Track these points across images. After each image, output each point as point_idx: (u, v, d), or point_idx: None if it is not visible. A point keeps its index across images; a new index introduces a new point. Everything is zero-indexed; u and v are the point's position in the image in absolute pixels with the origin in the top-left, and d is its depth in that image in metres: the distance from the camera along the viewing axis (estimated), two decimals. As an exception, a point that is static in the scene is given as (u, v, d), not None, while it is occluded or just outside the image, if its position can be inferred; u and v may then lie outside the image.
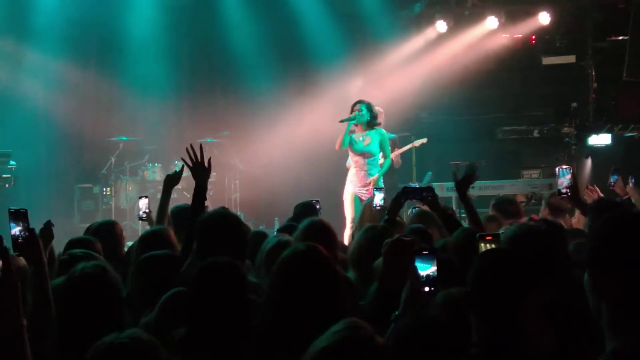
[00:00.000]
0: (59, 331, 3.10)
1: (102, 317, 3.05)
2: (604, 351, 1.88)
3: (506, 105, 13.21)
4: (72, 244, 4.61)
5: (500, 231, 4.10)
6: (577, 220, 6.29)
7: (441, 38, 12.77)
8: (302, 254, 3.10)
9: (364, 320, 2.37)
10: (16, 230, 3.37)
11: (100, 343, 2.37)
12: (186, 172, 4.87)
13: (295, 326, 2.87)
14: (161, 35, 12.61)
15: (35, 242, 3.26)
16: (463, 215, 6.75)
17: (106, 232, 5.11)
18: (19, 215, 3.39)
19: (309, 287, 2.98)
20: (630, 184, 6.53)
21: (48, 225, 4.42)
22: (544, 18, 12.40)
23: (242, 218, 8.52)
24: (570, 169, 5.03)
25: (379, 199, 6.44)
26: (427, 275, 3.19)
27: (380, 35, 12.81)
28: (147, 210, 5.94)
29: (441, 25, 12.68)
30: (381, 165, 9.25)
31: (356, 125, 9.09)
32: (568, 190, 5.02)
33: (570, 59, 12.76)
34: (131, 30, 12.51)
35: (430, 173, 11.56)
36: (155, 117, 12.79)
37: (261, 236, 4.85)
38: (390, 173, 10.67)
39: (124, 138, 11.86)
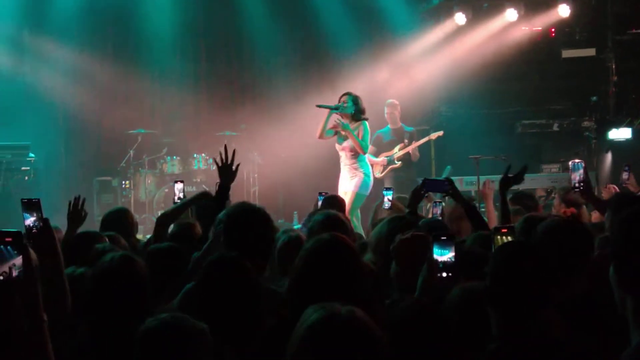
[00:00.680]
0: (88, 321, 3.11)
1: (130, 307, 3.06)
2: (630, 344, 1.86)
3: (525, 99, 13.13)
4: (81, 237, 4.62)
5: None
6: (598, 215, 6.24)
7: (460, 31, 12.70)
8: (327, 244, 3.09)
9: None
10: (30, 220, 3.36)
11: (150, 322, 2.45)
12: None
13: None
14: (180, 28, 12.63)
15: (50, 232, 3.22)
16: (482, 209, 6.70)
17: (117, 220, 5.14)
18: (32, 206, 3.38)
19: (334, 276, 2.98)
20: None
21: (75, 207, 4.49)
22: (563, 10, 12.30)
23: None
24: (583, 163, 4.99)
25: (387, 199, 6.41)
26: (445, 261, 3.20)
27: (398, 29, 12.76)
28: (181, 196, 5.93)
29: (460, 18, 12.62)
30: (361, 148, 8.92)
31: (342, 117, 8.93)
32: (581, 185, 4.98)
33: (591, 52, 12.67)
34: (150, 23, 12.53)
35: (449, 167, 11.51)
36: (173, 110, 12.82)
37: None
38: (408, 167, 10.65)
39: (142, 131, 11.89)
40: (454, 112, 13.00)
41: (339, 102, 9.01)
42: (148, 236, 6.46)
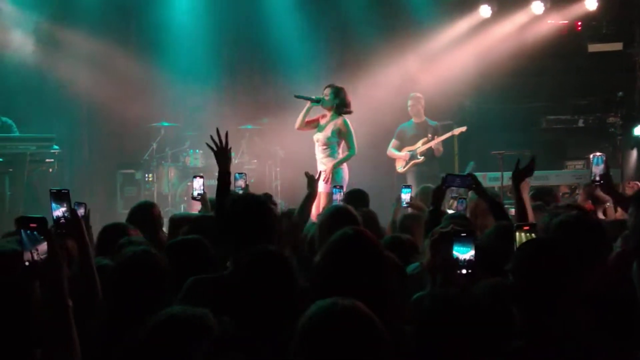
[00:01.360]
0: (108, 311, 3.14)
1: (149, 300, 3.07)
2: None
3: (550, 94, 13.02)
4: (106, 230, 4.65)
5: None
6: (622, 212, 6.18)
7: (485, 23, 12.63)
8: (350, 238, 3.08)
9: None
10: (58, 211, 3.38)
11: (160, 314, 2.46)
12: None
13: None
14: (202, 20, 12.63)
15: (78, 222, 3.28)
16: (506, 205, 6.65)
17: (144, 214, 5.14)
18: (61, 196, 3.40)
19: (358, 270, 2.97)
20: None
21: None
22: (590, 3, 12.19)
23: (282, 206, 8.54)
24: (604, 157, 4.93)
25: (407, 197, 6.38)
26: (465, 259, 3.20)
27: (423, 21, 12.68)
28: (201, 192, 5.91)
29: (485, 10, 12.54)
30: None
31: (324, 110, 8.82)
32: (601, 179, 4.92)
33: (617, 46, 12.53)
34: (174, 16, 12.55)
35: (472, 163, 11.43)
36: (196, 103, 12.84)
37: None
38: (431, 161, 10.59)
39: (165, 124, 11.92)
40: (477, 107, 12.92)
41: (322, 94, 8.84)
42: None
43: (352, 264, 3.00)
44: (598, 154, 4.97)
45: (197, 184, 5.96)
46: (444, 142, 10.71)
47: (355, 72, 12.60)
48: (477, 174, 10.43)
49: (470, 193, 6.25)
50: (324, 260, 3.09)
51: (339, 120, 8.78)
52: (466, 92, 12.79)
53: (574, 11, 12.50)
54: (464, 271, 3.18)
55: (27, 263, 2.52)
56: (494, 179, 10.51)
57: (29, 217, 2.58)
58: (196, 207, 7.06)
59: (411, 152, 10.57)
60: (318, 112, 9.08)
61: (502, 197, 7.42)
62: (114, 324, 3.09)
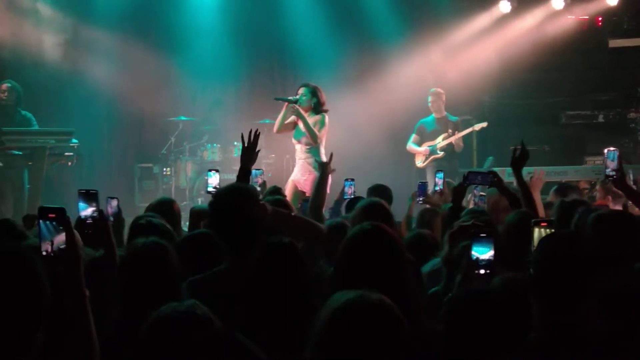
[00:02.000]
0: (122, 302, 3.14)
1: (159, 292, 3.05)
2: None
3: (570, 89, 12.94)
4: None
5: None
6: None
7: (504, 19, 12.57)
8: (367, 233, 3.08)
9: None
10: (86, 211, 3.40)
11: (158, 312, 2.43)
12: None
13: None
14: (222, 15, 12.65)
15: (105, 223, 3.31)
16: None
17: (164, 211, 5.14)
18: (89, 196, 3.43)
19: (375, 265, 2.97)
20: None
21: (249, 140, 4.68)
22: (611, -1, 12.12)
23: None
24: (617, 152, 4.88)
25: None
26: (484, 259, 3.18)
27: (442, 17, 12.65)
28: (217, 186, 5.89)
29: (505, 6, 12.48)
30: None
31: (304, 109, 8.59)
32: (615, 173, 4.88)
33: (638, 41, 12.43)
34: (193, 11, 12.57)
35: (491, 158, 11.38)
36: (214, 97, 12.85)
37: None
38: (451, 157, 10.57)
39: (183, 118, 11.95)
40: (497, 102, 12.86)
41: (297, 94, 8.67)
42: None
43: (369, 259, 3.00)
44: (612, 148, 4.94)
45: (213, 179, 5.94)
46: (463, 137, 10.68)
47: (375, 67, 12.60)
48: (496, 169, 10.48)
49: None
50: (343, 255, 3.08)
51: (318, 118, 8.62)
52: (486, 87, 12.73)
53: (595, 6, 12.41)
54: (482, 271, 3.17)
55: (44, 253, 2.54)
56: (513, 174, 10.43)
57: (48, 208, 2.60)
58: None
59: (431, 147, 10.55)
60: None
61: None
62: (125, 318, 3.09)
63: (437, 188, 6.39)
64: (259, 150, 4.85)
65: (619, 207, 6.82)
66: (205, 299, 2.53)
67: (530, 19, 12.54)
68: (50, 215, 2.57)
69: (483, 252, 3.20)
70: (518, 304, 2.73)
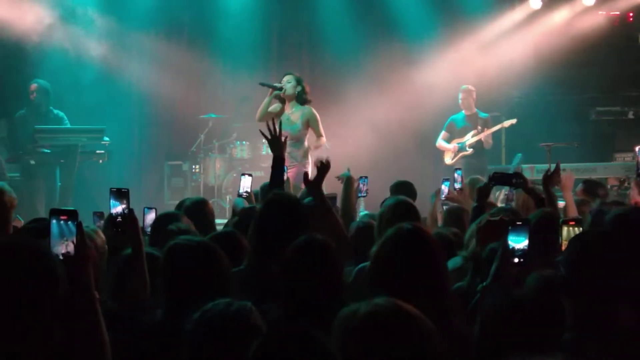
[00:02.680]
0: (166, 300, 3.16)
1: (204, 289, 3.06)
2: None
3: (600, 85, 12.84)
4: (161, 218, 4.73)
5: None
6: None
7: (535, 15, 12.50)
8: (409, 233, 3.08)
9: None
10: (117, 209, 3.45)
11: (206, 310, 2.47)
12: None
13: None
14: (251, 12, 12.66)
15: (135, 221, 3.36)
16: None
17: (198, 211, 5.19)
18: (120, 194, 3.48)
19: (414, 264, 2.97)
20: None
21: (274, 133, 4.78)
22: (643, -6, 12.02)
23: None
24: None
25: (446, 190, 6.35)
26: (519, 248, 3.20)
27: (471, 12, 12.58)
28: (248, 190, 5.93)
29: (535, 2, 12.41)
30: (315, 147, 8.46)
31: (284, 100, 8.41)
32: None
33: (670, 37, 12.34)
34: (223, 9, 12.60)
35: (520, 155, 11.33)
36: (243, 94, 12.90)
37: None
38: (480, 154, 10.53)
39: (212, 115, 11.99)
40: (526, 98, 12.79)
41: (281, 82, 8.44)
42: (219, 221, 6.55)
43: (410, 259, 2.99)
44: None
45: (245, 183, 5.97)
46: (492, 133, 10.64)
47: (404, 63, 12.57)
48: (524, 165, 10.47)
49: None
50: (382, 255, 3.09)
51: (306, 110, 8.42)
52: (515, 83, 12.66)
53: (626, 2, 12.32)
54: (516, 260, 3.19)
55: (56, 250, 2.56)
56: (542, 171, 10.38)
57: (61, 210, 2.63)
58: None
59: (460, 144, 10.53)
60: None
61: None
62: (168, 315, 3.11)
63: (457, 185, 6.36)
64: (286, 137, 4.95)
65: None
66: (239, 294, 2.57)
67: (561, 15, 12.46)
68: (63, 217, 2.60)
69: (518, 242, 3.23)
70: (553, 303, 2.74)
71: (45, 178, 9.74)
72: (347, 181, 5.44)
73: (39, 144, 9.63)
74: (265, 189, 5.45)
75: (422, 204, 6.00)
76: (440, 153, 10.92)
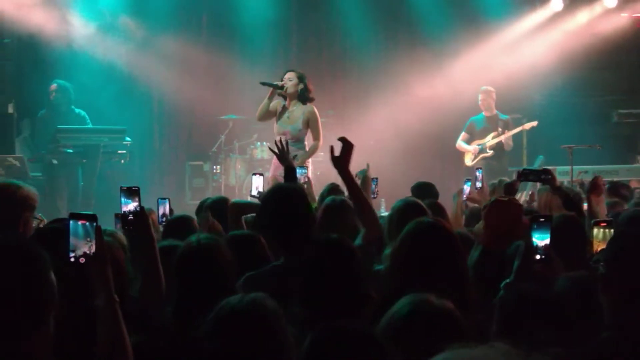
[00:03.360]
0: (177, 298, 3.18)
1: (214, 287, 3.09)
2: None
3: (623, 88, 12.76)
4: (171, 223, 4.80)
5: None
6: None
7: (556, 17, 12.45)
8: (429, 226, 3.10)
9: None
10: (128, 207, 3.46)
11: (224, 304, 2.47)
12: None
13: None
14: (271, 13, 12.68)
15: (145, 219, 3.37)
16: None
17: (220, 209, 5.21)
18: (131, 193, 3.49)
19: (436, 257, 2.99)
20: None
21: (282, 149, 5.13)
22: (665, -4, 11.94)
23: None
24: None
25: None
26: (542, 245, 3.22)
27: (491, 13, 12.55)
28: (260, 190, 5.88)
29: (557, 3, 12.36)
30: (308, 148, 8.23)
31: (286, 97, 8.22)
32: None
33: (693, 39, 12.25)
34: (243, 10, 12.63)
35: (541, 157, 11.29)
36: (264, 96, 12.90)
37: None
38: (500, 155, 10.50)
39: (233, 116, 12.02)
40: (547, 100, 12.73)
41: (282, 80, 8.25)
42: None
43: (430, 249, 3.01)
44: None
45: (257, 182, 5.92)
46: (513, 135, 10.61)
47: (424, 65, 12.55)
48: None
49: (539, 185, 6.19)
50: (401, 248, 3.09)
51: (307, 109, 8.25)
52: (537, 85, 12.61)
53: (649, 4, 12.26)
54: (537, 257, 3.20)
55: (72, 259, 2.58)
56: (564, 173, 10.36)
57: (80, 214, 2.65)
58: None
59: (480, 146, 10.50)
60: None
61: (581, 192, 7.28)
62: (181, 313, 3.13)
63: (478, 184, 6.34)
64: (295, 156, 5.15)
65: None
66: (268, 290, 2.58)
67: (582, 17, 12.40)
68: (81, 221, 2.61)
69: (541, 239, 3.25)
70: (583, 302, 2.76)
71: (67, 178, 9.81)
72: (365, 179, 5.42)
73: (61, 143, 9.69)
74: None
75: (444, 205, 5.98)
76: (461, 154, 10.90)
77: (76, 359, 2.14)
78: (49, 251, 2.21)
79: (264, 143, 12.20)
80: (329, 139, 11.51)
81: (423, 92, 12.47)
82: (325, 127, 12.26)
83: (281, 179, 7.95)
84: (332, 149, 4.08)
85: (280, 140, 5.22)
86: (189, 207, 9.73)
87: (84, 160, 9.91)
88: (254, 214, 4.75)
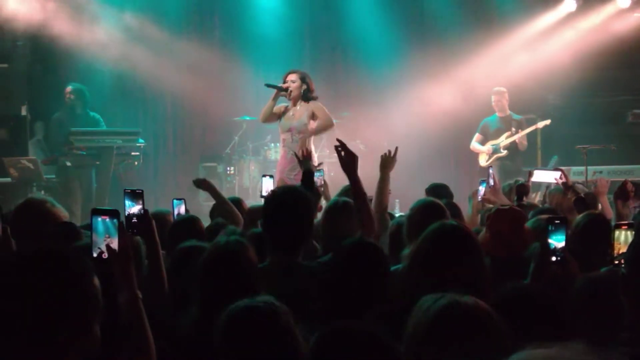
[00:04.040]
0: (200, 298, 3.19)
1: (239, 289, 3.07)
2: None
3: (637, 87, 12.71)
4: (177, 224, 4.80)
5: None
6: None
7: (570, 17, 12.41)
8: (453, 229, 3.10)
9: None
10: (132, 209, 3.47)
11: (235, 305, 2.50)
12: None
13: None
14: (284, 14, 12.71)
15: (149, 221, 3.38)
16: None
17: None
18: (135, 196, 3.50)
19: (457, 259, 2.99)
20: None
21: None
22: (679, -4, 11.88)
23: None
24: None
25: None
26: (558, 246, 3.23)
27: (505, 14, 12.54)
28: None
29: (570, 4, 12.32)
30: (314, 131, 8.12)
31: (289, 98, 8.15)
32: None
33: None
34: (256, 12, 12.66)
35: (556, 157, 11.25)
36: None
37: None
38: (514, 156, 10.47)
39: (247, 118, 12.04)
40: (561, 100, 12.70)
41: (284, 81, 8.18)
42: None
43: (451, 251, 3.01)
44: None
45: (267, 184, 5.93)
46: (527, 135, 10.57)
47: (437, 66, 12.54)
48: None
49: (553, 186, 6.17)
50: (422, 250, 3.09)
51: (310, 104, 8.17)
52: (550, 85, 12.58)
53: (663, 4, 12.21)
54: (553, 258, 3.20)
55: (95, 255, 2.61)
56: (578, 173, 10.32)
57: (103, 209, 2.66)
58: None
59: (494, 146, 10.47)
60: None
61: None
62: (204, 314, 3.13)
63: (490, 181, 6.32)
64: (320, 163, 5.37)
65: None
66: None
67: (596, 17, 12.36)
68: (104, 217, 2.64)
69: (558, 240, 3.27)
70: (603, 304, 2.75)
71: (80, 179, 9.82)
72: (386, 160, 5.38)
73: (75, 145, 9.72)
74: None
75: (459, 207, 5.96)
76: (475, 156, 10.88)
77: (99, 355, 2.13)
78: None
79: (277, 144, 12.21)
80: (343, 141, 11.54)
81: (437, 94, 12.46)
82: (340, 128, 12.33)
83: (288, 181, 8.06)
84: (338, 152, 4.19)
85: (306, 148, 5.54)
86: (202, 208, 9.74)
87: (98, 162, 9.92)
88: None
